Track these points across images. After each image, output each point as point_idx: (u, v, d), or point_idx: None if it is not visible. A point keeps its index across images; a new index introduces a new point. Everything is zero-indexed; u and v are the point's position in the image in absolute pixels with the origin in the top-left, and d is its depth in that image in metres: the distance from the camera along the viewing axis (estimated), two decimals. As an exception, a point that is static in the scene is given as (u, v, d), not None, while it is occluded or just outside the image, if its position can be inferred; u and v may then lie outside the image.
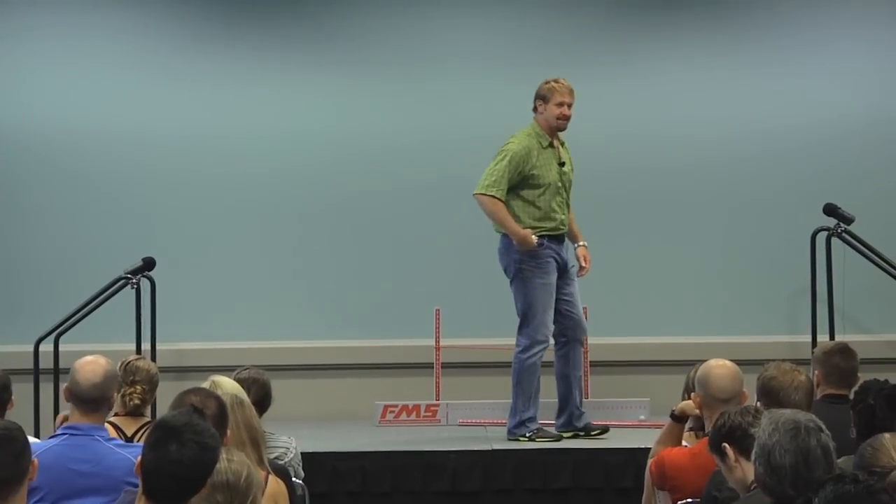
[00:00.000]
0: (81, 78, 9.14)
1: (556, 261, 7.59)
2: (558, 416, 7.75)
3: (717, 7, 9.35)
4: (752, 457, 3.75)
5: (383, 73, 9.22)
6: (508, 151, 7.57)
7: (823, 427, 3.67)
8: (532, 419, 7.65)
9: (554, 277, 7.57)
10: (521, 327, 7.59)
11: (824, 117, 9.24)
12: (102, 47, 9.18)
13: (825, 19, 9.36)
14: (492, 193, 7.53)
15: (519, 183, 7.56)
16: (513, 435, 7.67)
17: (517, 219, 7.54)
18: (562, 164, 7.64)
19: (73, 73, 9.14)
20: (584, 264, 7.70)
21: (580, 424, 7.72)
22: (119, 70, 9.15)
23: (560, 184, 7.61)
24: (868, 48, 9.32)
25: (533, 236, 7.48)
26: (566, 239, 7.71)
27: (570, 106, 7.59)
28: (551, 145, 7.64)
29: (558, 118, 7.59)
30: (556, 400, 7.74)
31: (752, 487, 4.24)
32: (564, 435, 7.69)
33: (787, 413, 3.69)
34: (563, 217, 7.63)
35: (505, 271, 7.64)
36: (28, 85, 9.13)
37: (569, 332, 7.66)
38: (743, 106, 9.24)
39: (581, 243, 7.74)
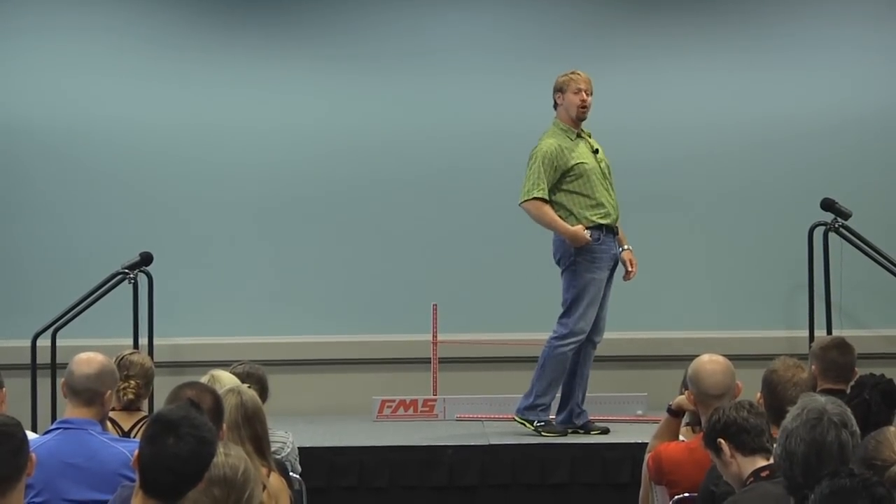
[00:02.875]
0: (78, 74, 9.12)
1: (610, 257, 7.58)
2: (559, 412, 7.74)
3: (713, 0, 9.35)
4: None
5: (381, 68, 9.20)
6: (538, 152, 7.54)
7: (851, 423, 3.63)
8: (545, 408, 7.61)
9: (605, 274, 7.55)
10: (562, 316, 7.57)
11: (822, 112, 9.23)
12: (100, 44, 9.16)
13: (822, 12, 9.35)
14: (534, 196, 7.50)
15: (560, 179, 7.52)
16: (522, 415, 7.64)
17: (570, 213, 7.51)
18: (595, 152, 7.64)
19: (69, 70, 9.12)
20: (629, 268, 7.69)
21: (580, 422, 7.71)
22: (115, 66, 9.13)
23: (599, 170, 7.60)
24: (867, 41, 9.30)
25: (585, 231, 7.49)
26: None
27: (587, 93, 7.58)
28: (579, 136, 7.64)
29: (578, 107, 7.56)
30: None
31: (748, 482, 4.26)
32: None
33: (819, 401, 3.65)
34: (613, 203, 7.61)
35: (558, 262, 7.59)
36: (25, 80, 9.12)
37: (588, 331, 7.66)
38: (739, 100, 9.23)
39: (626, 247, 7.70)
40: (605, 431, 7.72)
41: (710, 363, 5.22)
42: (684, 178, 9.22)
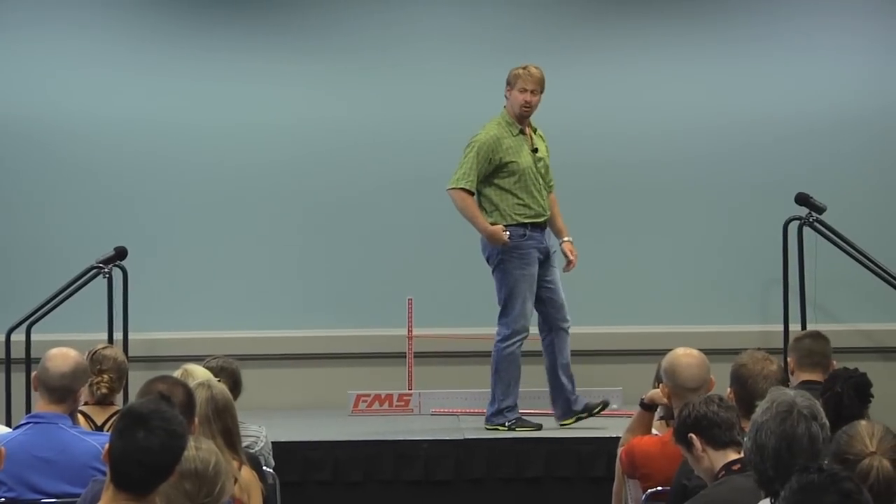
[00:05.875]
0: (53, 68, 9.08)
1: (539, 250, 7.58)
2: (555, 407, 7.73)
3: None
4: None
5: (355, 66, 9.18)
6: (476, 142, 7.54)
7: (820, 415, 3.63)
8: (511, 408, 7.63)
9: (535, 269, 7.54)
10: (500, 316, 7.58)
11: (796, 107, 9.24)
12: (79, 39, 9.10)
13: (799, 10, 9.36)
14: (461, 186, 7.51)
15: (492, 172, 7.53)
16: (491, 423, 7.66)
17: (496, 208, 7.52)
18: (535, 151, 7.61)
19: (44, 64, 9.08)
20: (570, 258, 7.69)
21: (579, 408, 7.68)
22: (92, 60, 9.10)
23: (535, 170, 7.58)
24: (841, 40, 9.31)
25: (505, 232, 7.46)
26: (549, 230, 7.69)
27: (533, 93, 7.52)
28: (522, 132, 7.61)
29: (522, 106, 7.52)
30: (545, 389, 7.73)
31: (720, 476, 4.26)
32: (567, 422, 7.66)
33: (788, 394, 3.65)
34: (543, 203, 7.59)
35: (487, 260, 7.61)
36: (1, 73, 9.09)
37: (551, 319, 7.63)
38: (715, 97, 9.23)
39: (566, 239, 7.71)
40: (606, 405, 7.67)
41: (685, 356, 5.22)
42: (659, 173, 9.21)
